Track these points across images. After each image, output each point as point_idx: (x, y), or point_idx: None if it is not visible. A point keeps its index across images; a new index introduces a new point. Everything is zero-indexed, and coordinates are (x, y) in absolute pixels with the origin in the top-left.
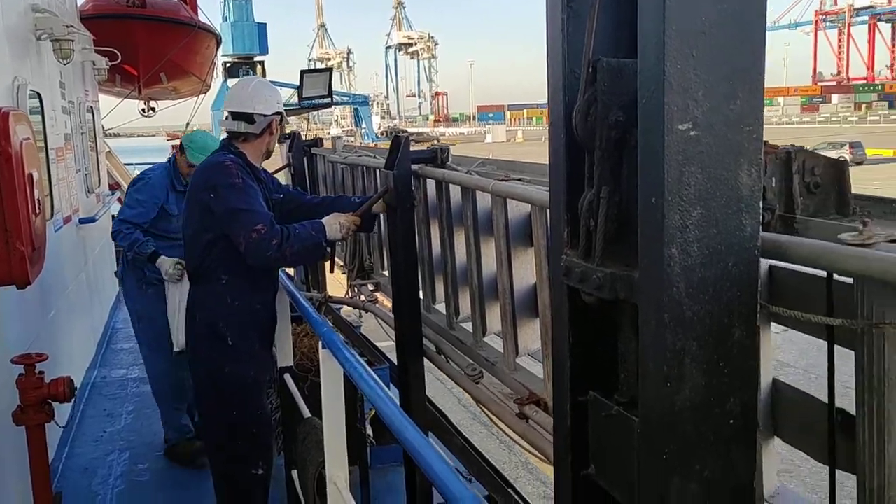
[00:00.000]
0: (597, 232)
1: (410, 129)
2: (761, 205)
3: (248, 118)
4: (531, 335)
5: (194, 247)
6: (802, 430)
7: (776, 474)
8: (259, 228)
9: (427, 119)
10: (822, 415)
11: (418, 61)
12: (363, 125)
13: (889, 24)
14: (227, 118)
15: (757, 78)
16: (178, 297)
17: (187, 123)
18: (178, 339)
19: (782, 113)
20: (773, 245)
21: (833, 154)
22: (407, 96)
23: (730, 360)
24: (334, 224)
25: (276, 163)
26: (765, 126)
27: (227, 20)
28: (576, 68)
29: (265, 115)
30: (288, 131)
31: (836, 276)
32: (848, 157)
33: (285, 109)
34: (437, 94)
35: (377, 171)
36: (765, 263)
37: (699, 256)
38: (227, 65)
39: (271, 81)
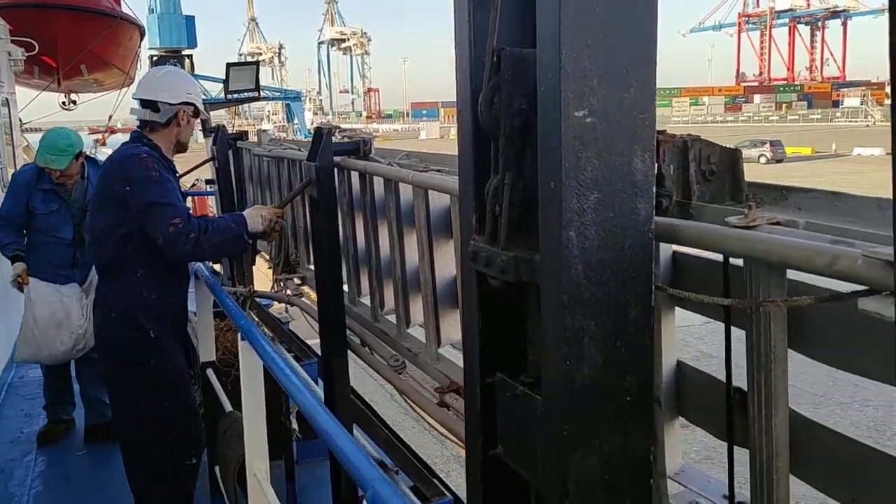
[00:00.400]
0: (502, 217)
1: (343, 126)
2: (659, 191)
3: (153, 106)
4: (453, 325)
5: (107, 241)
6: (704, 410)
7: (681, 453)
8: (176, 222)
9: (360, 115)
10: (722, 394)
11: (351, 57)
12: (295, 121)
13: (808, 27)
14: (138, 106)
15: (649, 67)
16: (31, 307)
17: (110, 117)
18: (18, 351)
19: (707, 112)
20: (667, 228)
21: (755, 152)
22: (340, 92)
23: (626, 338)
24: (255, 217)
25: (200, 156)
26: (691, 125)
27: (153, 12)
28: (483, 58)
29: (170, 104)
30: (214, 125)
31: (731, 260)
32: (769, 154)
33: (212, 103)
34: (369, 90)
35: (301, 163)
36: (668, 249)
37: (596, 239)
38: (154, 58)
39: (198, 75)
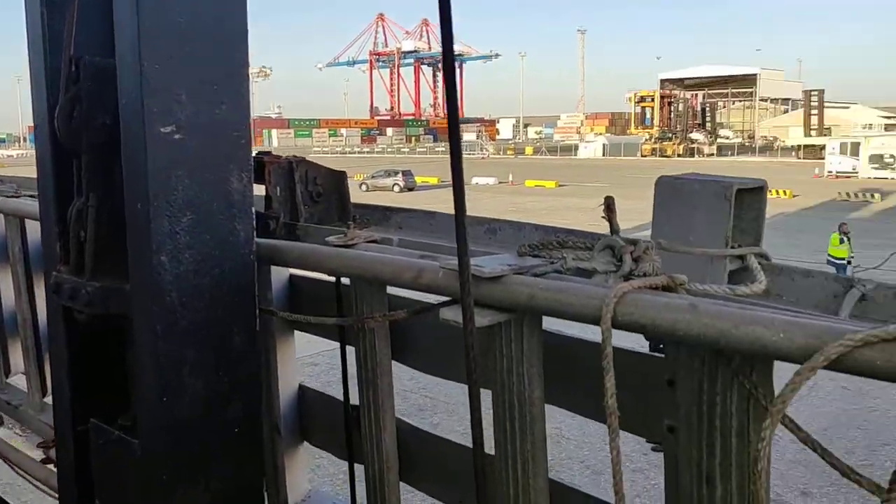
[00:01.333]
0: (87, 243)
1: None
2: (267, 213)
3: None
4: None
5: None
6: (326, 431)
7: (307, 478)
8: None
9: None
10: (342, 414)
11: None
12: None
13: (430, 68)
14: None
15: (241, 85)
16: None
17: None
18: None
19: (346, 143)
20: (270, 250)
21: (389, 181)
22: None
23: (230, 366)
24: None
25: None
26: (331, 155)
27: None
28: (60, 67)
29: None
30: None
31: (345, 280)
32: (402, 183)
33: None
34: None
35: None
36: (285, 273)
37: (192, 263)
38: None
39: None
